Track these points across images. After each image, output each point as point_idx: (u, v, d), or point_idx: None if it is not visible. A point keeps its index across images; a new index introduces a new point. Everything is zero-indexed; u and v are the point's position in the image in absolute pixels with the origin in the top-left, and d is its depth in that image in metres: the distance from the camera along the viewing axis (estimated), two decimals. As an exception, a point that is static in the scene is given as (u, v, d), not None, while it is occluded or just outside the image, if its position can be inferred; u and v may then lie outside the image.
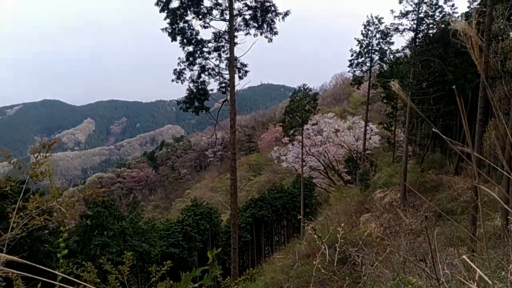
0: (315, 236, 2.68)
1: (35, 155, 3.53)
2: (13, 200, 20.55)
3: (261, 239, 52.79)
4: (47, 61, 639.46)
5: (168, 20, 20.65)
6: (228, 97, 21.41)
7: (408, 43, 27.51)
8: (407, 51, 29.02)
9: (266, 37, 21.73)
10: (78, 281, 1.79)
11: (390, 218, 19.00)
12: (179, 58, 21.52)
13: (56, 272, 1.95)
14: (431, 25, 26.44)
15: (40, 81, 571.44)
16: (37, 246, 25.21)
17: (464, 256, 1.86)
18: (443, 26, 26.39)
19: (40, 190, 27.48)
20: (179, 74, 21.90)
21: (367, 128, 42.05)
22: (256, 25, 21.44)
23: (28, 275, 2.00)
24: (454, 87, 1.55)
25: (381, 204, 27.35)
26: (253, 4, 21.11)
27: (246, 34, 21.37)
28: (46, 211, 3.81)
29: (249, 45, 21.39)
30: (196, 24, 21.12)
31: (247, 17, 21.31)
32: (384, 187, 29.77)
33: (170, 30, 20.87)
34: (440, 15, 26.12)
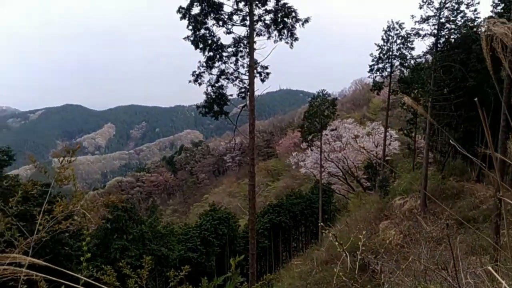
0: (336, 243, 2.66)
1: (60, 160, 3.59)
2: (36, 202, 20.88)
3: (279, 245, 52.61)
4: (70, 66, 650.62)
5: (190, 28, 20.83)
6: (248, 102, 21.46)
7: (429, 48, 27.19)
8: (428, 56, 28.69)
9: (286, 42, 21.72)
10: (99, 284, 1.81)
11: (410, 226, 18.74)
12: (199, 61, 21.70)
13: (78, 275, 1.98)
14: (452, 30, 26.10)
15: (62, 86, 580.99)
16: (58, 248, 25.55)
17: (489, 266, 1.83)
18: (464, 31, 26.03)
19: (61, 194, 27.90)
20: (197, 77, 22.05)
21: (387, 134, 41.64)
22: (276, 30, 21.47)
23: (51, 278, 2.02)
24: (476, 99, 1.53)
25: (400, 211, 27.01)
26: (274, 9, 21.16)
27: (268, 38, 21.41)
28: (70, 215, 3.86)
29: (268, 50, 21.47)
30: (217, 30, 21.28)
31: (268, 22, 21.35)
32: (404, 194, 29.41)
33: (192, 38, 21.05)
34: (462, 20, 25.77)
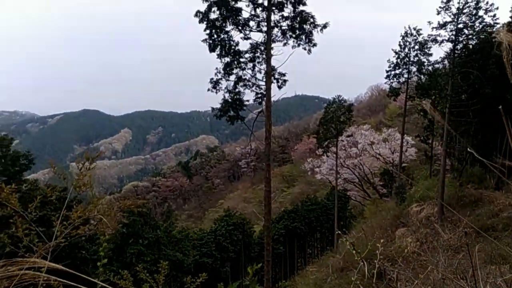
0: (354, 251, 2.64)
1: (79, 167, 3.64)
2: (53, 207, 21.15)
3: (294, 252, 52.38)
4: (88, 72, 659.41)
5: (207, 31, 20.97)
6: (264, 108, 21.49)
7: (446, 54, 26.92)
8: (445, 62, 28.40)
9: (304, 48, 21.71)
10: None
11: (427, 233, 18.52)
12: (216, 68, 21.80)
13: (95, 280, 2.00)
14: (470, 36, 25.80)
15: (81, 91, 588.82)
16: (75, 252, 25.79)
17: (509, 276, 1.80)
18: (483, 36, 25.71)
19: (78, 198, 28.25)
20: (215, 84, 22.16)
21: (404, 140, 41.28)
22: (294, 36, 21.49)
23: (69, 283, 2.04)
24: (500, 107, 1.51)
25: (417, 218, 26.70)
26: (291, 15, 21.19)
27: (284, 44, 21.44)
28: (88, 220, 3.91)
29: (285, 56, 21.48)
30: (236, 35, 21.38)
31: (285, 28, 21.40)
32: (420, 201, 29.08)
33: (210, 42, 21.19)
34: (480, 26, 25.46)
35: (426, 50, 34.79)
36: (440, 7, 25.13)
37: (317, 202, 54.62)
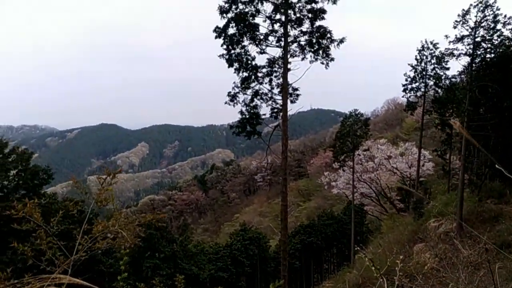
0: (373, 267, 2.64)
1: (101, 182, 3.72)
2: (71, 220, 21.35)
3: (310, 267, 51.90)
4: (106, 86, 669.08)
5: (224, 47, 21.24)
6: (280, 122, 21.57)
7: (464, 68, 26.72)
8: (463, 76, 28.18)
9: (322, 63, 21.84)
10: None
11: (446, 249, 18.22)
12: (234, 82, 22.06)
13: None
14: (488, 50, 25.60)
15: (99, 105, 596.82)
16: (93, 266, 25.96)
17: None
18: (501, 50, 25.48)
19: (95, 211, 28.50)
20: (232, 97, 22.39)
21: (421, 154, 40.89)
22: (311, 51, 21.62)
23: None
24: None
25: (435, 233, 26.31)
26: (309, 31, 21.34)
27: (302, 59, 21.60)
28: (108, 235, 3.96)
29: (302, 70, 21.61)
30: (252, 50, 21.61)
31: (302, 43, 21.55)
32: (438, 216, 28.67)
33: (227, 57, 21.45)
34: (499, 39, 25.26)
35: (443, 64, 34.62)
36: (457, 21, 25.03)
37: (333, 217, 54.19)
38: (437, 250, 20.77)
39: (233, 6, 21.20)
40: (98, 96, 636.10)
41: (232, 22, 21.28)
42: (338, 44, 21.72)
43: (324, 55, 21.91)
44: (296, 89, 22.64)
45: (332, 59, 22.13)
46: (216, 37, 21.40)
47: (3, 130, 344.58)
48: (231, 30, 21.41)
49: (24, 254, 3.88)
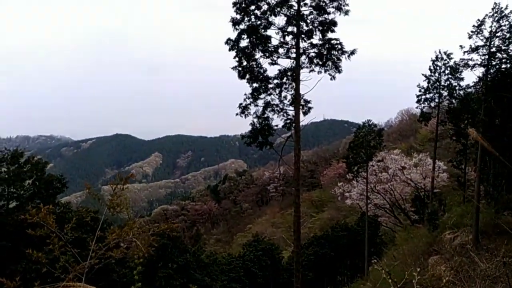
0: (390, 280, 2.60)
1: (113, 187, 3.72)
2: (83, 229, 21.51)
3: (323, 278, 51.40)
4: (121, 97, 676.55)
5: (237, 59, 21.38)
6: (293, 133, 21.56)
7: (479, 78, 26.51)
8: (478, 86, 27.95)
9: (330, 74, 21.85)
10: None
11: (462, 262, 17.93)
12: (245, 94, 22.16)
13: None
14: (504, 60, 25.37)
15: (113, 116, 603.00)
16: (106, 275, 26.03)
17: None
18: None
19: (109, 221, 28.67)
20: (243, 109, 22.47)
21: (435, 165, 40.50)
22: (321, 63, 21.66)
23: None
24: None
25: (451, 246, 25.94)
26: (319, 42, 21.40)
27: (310, 71, 21.63)
28: (119, 243, 3.97)
29: (313, 81, 21.64)
30: (264, 62, 21.71)
31: (313, 55, 21.61)
32: (454, 228, 28.29)
33: (239, 69, 21.57)
34: (514, 49, 25.03)
35: (457, 74, 34.38)
36: (472, 31, 24.89)
37: (347, 228, 53.71)
38: (453, 263, 20.46)
39: (246, 18, 21.39)
40: (113, 106, 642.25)
41: (244, 34, 21.46)
42: (349, 56, 21.74)
43: (334, 66, 21.94)
44: (309, 102, 22.68)
45: (340, 71, 22.17)
46: (229, 50, 21.58)
47: (19, 140, 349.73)
48: (243, 43, 21.58)
49: (38, 263, 3.90)
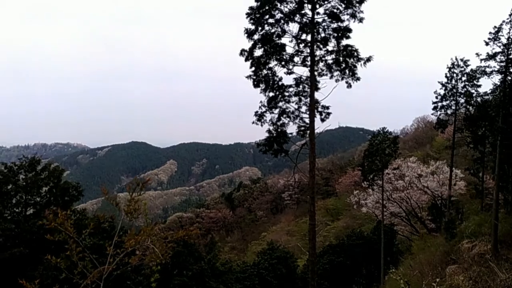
0: None
1: (131, 193, 3.75)
2: (100, 236, 21.66)
3: (338, 287, 50.91)
4: (136, 104, 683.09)
5: (252, 68, 21.47)
6: (308, 141, 21.52)
7: (496, 85, 26.20)
8: (495, 93, 27.63)
9: (347, 82, 21.79)
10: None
11: (481, 272, 17.64)
12: (260, 102, 22.26)
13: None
14: (522, 66, 25.04)
15: (129, 123, 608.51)
16: (122, 282, 26.12)
17: None
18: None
19: (125, 228, 28.83)
20: (259, 117, 22.53)
21: (452, 173, 40.01)
22: (337, 70, 21.63)
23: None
24: None
25: (469, 255, 25.52)
26: (335, 50, 21.38)
27: (330, 78, 21.62)
28: (134, 250, 3.98)
29: (329, 88, 21.60)
30: (279, 70, 21.77)
31: (329, 62, 21.59)
32: (472, 237, 27.85)
33: (254, 78, 21.64)
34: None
35: (474, 81, 34.05)
36: (488, 38, 24.66)
37: (362, 237, 53.18)
38: (471, 273, 20.15)
39: (259, 28, 21.49)
40: (129, 114, 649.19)
41: (259, 43, 21.55)
42: (365, 63, 21.66)
43: (350, 74, 21.87)
44: (327, 107, 22.65)
45: (358, 79, 22.06)
46: (245, 60, 21.70)
47: (37, 148, 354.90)
48: (258, 52, 21.66)
49: (56, 269, 3.93)
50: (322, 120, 22.51)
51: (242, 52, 21.48)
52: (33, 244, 23.63)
